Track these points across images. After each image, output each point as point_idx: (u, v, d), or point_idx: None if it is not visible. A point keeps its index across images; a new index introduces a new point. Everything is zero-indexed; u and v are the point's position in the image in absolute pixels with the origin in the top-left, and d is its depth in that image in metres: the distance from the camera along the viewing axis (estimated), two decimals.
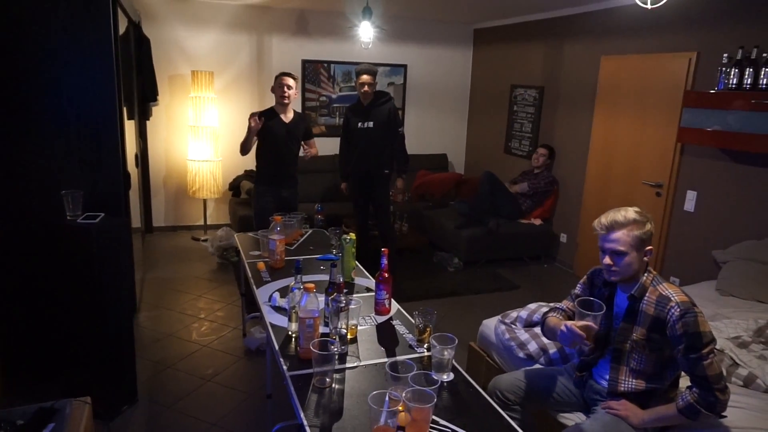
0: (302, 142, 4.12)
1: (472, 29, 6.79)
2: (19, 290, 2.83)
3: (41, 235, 2.72)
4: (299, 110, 6.16)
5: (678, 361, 1.80)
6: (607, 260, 1.85)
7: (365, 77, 4.20)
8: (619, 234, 1.82)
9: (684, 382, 1.90)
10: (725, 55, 3.43)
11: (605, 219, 1.85)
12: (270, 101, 4.07)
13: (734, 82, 3.35)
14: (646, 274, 1.88)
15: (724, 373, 2.10)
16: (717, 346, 2.49)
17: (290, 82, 3.90)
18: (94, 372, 2.64)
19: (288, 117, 3.99)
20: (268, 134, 3.94)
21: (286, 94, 3.90)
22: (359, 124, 4.31)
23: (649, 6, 2.18)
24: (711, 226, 3.90)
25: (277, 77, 3.94)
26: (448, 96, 6.89)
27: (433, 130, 6.89)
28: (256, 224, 4.08)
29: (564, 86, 5.29)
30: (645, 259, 1.86)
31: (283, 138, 3.97)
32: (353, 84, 6.27)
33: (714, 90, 3.48)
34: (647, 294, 1.85)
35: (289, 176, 4.09)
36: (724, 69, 3.41)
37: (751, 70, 3.26)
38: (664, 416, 1.84)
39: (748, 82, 3.28)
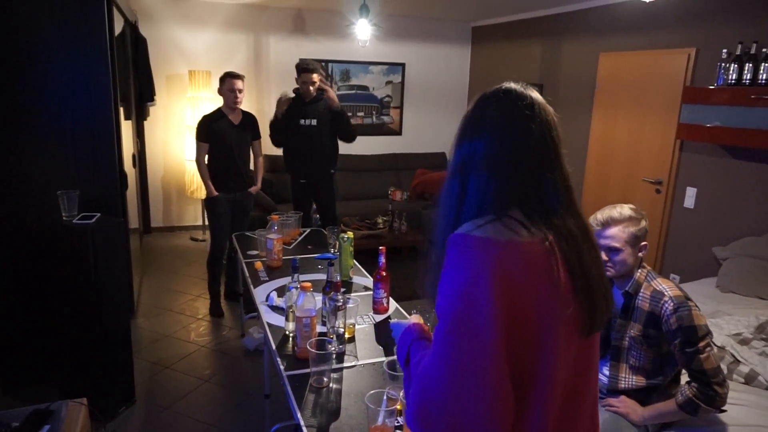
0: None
1: (470, 27, 6.77)
2: (15, 291, 2.82)
3: (37, 235, 2.71)
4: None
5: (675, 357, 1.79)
6: (602, 256, 1.83)
7: (312, 76, 3.93)
8: (614, 230, 1.82)
9: (685, 377, 1.89)
10: (724, 50, 3.42)
11: (601, 215, 1.85)
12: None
13: (733, 77, 3.33)
14: (640, 270, 1.87)
15: (722, 366, 2.08)
16: (718, 343, 2.48)
17: (240, 85, 3.75)
18: (91, 373, 2.62)
19: (237, 118, 3.85)
20: (217, 138, 3.78)
21: (238, 100, 3.77)
22: (302, 121, 4.05)
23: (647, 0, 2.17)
24: (711, 222, 3.88)
25: (225, 80, 3.74)
26: (446, 94, 6.86)
27: (431, 128, 6.86)
28: (213, 236, 3.97)
29: (562, 84, 5.27)
30: (640, 255, 1.86)
31: (234, 141, 3.83)
32: (351, 83, 6.26)
33: (713, 86, 3.46)
34: (642, 290, 1.85)
35: (242, 179, 3.94)
36: (723, 65, 3.39)
37: (750, 65, 3.25)
38: (664, 412, 1.83)
39: (748, 77, 3.27)
